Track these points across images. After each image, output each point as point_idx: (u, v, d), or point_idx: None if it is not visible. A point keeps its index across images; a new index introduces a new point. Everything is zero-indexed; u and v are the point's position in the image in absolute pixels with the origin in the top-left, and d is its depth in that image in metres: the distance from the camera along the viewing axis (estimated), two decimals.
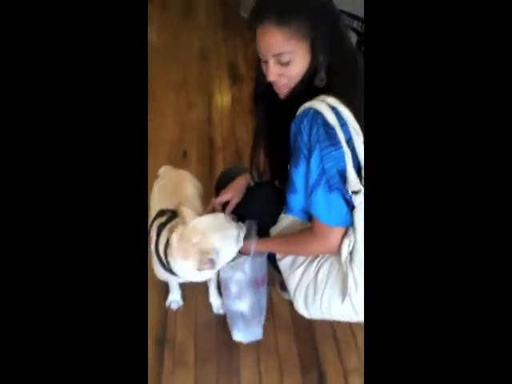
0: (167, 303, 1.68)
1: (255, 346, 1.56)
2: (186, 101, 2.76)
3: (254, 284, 1.37)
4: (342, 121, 1.02)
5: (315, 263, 1.23)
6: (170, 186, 1.53)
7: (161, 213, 1.35)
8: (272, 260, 1.39)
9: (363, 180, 1.04)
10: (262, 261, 1.36)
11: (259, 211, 1.36)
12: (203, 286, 1.68)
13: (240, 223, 1.26)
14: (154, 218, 1.34)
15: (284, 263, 1.31)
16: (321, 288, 1.21)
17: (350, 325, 1.61)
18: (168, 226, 1.27)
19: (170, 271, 1.26)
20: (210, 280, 1.61)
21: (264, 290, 1.44)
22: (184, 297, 1.70)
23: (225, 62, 3.11)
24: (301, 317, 1.58)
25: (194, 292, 1.69)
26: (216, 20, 3.56)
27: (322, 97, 1.04)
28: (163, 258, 1.24)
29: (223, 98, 2.78)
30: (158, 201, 1.45)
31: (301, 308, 1.29)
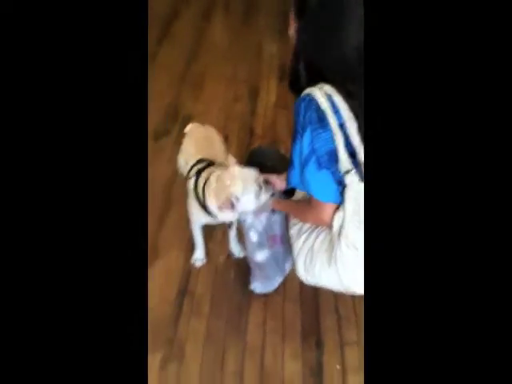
0: (192, 260, 1.89)
1: (263, 309, 1.74)
2: (234, 94, 2.98)
3: (271, 238, 1.60)
4: (335, 107, 1.16)
5: (315, 232, 1.39)
6: (203, 139, 1.84)
7: (200, 161, 1.66)
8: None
9: (355, 162, 1.17)
10: (279, 219, 1.58)
11: None
12: (224, 250, 1.90)
13: (267, 186, 1.48)
14: (194, 165, 1.66)
15: (293, 230, 1.48)
16: (315, 254, 1.37)
17: (352, 302, 1.76)
18: (207, 170, 1.59)
19: (205, 208, 1.55)
20: (231, 229, 1.89)
21: (280, 248, 1.65)
22: (208, 259, 1.90)
23: (276, 63, 3.31)
24: (308, 291, 1.77)
25: (216, 253, 1.89)
26: (274, 24, 3.77)
27: (321, 84, 1.19)
28: (201, 195, 1.54)
29: (269, 94, 2.98)
30: (195, 151, 1.75)
31: (300, 271, 1.45)
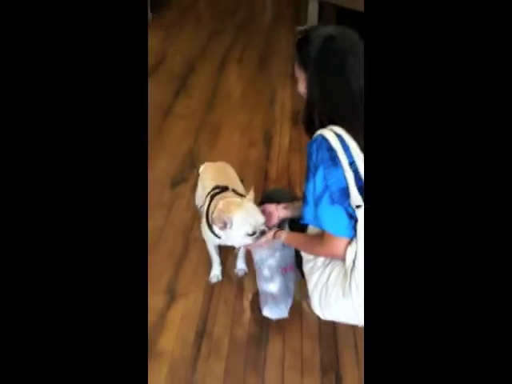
0: (210, 277, 2.01)
1: (282, 345, 1.75)
2: (249, 140, 3.09)
3: (283, 270, 1.66)
4: (345, 146, 1.25)
5: (329, 267, 1.42)
6: (218, 171, 2.02)
7: (216, 187, 1.79)
8: (299, 265, 1.61)
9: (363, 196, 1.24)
10: (290, 252, 1.64)
11: None
12: (241, 291, 1.93)
13: (264, 226, 1.55)
14: (210, 191, 1.78)
15: (307, 267, 1.51)
16: (330, 288, 1.39)
17: None
18: (219, 196, 1.71)
19: (212, 231, 1.67)
20: (239, 253, 2.01)
21: (291, 276, 1.72)
22: (225, 300, 1.93)
23: (289, 109, 3.43)
24: (326, 327, 1.78)
25: (233, 295, 1.92)
26: (285, 71, 3.93)
27: (331, 126, 1.29)
28: (210, 218, 1.65)
29: (282, 139, 3.08)
30: (211, 179, 1.89)
31: (316, 307, 1.46)
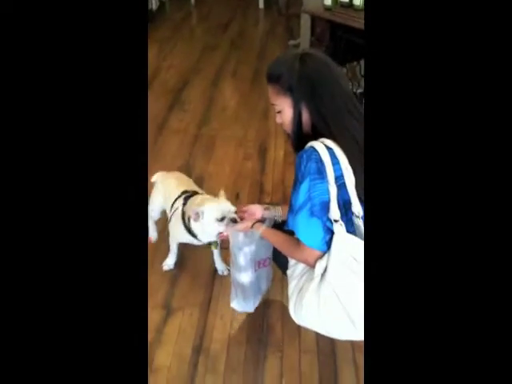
0: (162, 264, 2.13)
1: (280, 361, 1.73)
2: (244, 153, 3.08)
3: (257, 263, 1.68)
4: (334, 159, 1.26)
5: (304, 277, 1.41)
6: (179, 179, 2.15)
7: (185, 192, 1.96)
8: (284, 269, 1.60)
9: (347, 213, 1.26)
10: (267, 246, 1.65)
11: None
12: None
13: (235, 215, 1.69)
14: (179, 196, 1.94)
15: (289, 271, 1.51)
16: (303, 299, 1.39)
17: None
18: (193, 197, 1.89)
19: (189, 230, 1.82)
20: (215, 254, 2.09)
21: (264, 272, 1.75)
22: (221, 316, 1.91)
23: None
24: (324, 342, 1.76)
25: (229, 310, 1.89)
26: None
27: (322, 139, 1.30)
28: (186, 219, 1.81)
29: (277, 152, 3.08)
30: (176, 186, 2.02)
31: (291, 312, 1.47)
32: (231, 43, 5.15)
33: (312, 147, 1.29)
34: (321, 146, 1.28)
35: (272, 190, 2.70)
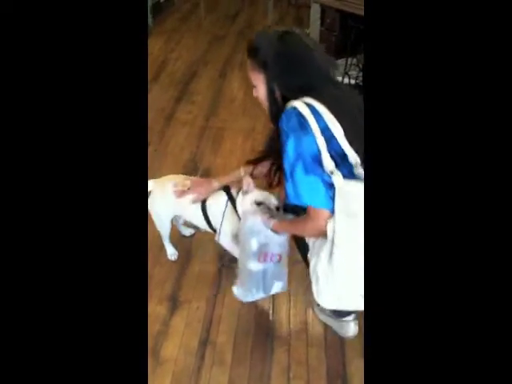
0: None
1: (287, 355, 1.71)
2: (252, 145, 3.06)
3: (267, 255, 1.62)
4: (316, 113, 1.24)
5: (321, 249, 1.40)
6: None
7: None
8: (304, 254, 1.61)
9: (344, 163, 1.23)
10: (282, 241, 1.61)
11: None
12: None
13: (273, 206, 1.67)
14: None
15: (309, 255, 1.51)
16: (316, 267, 1.41)
17: None
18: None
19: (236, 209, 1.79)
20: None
21: (272, 267, 1.66)
22: (228, 308, 1.90)
23: None
24: (332, 336, 1.74)
25: (236, 303, 1.88)
26: None
27: (300, 98, 1.28)
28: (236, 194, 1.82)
29: None
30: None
31: (314, 292, 1.46)
32: (239, 34, 5.12)
33: (291, 106, 1.28)
34: (299, 102, 1.27)
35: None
